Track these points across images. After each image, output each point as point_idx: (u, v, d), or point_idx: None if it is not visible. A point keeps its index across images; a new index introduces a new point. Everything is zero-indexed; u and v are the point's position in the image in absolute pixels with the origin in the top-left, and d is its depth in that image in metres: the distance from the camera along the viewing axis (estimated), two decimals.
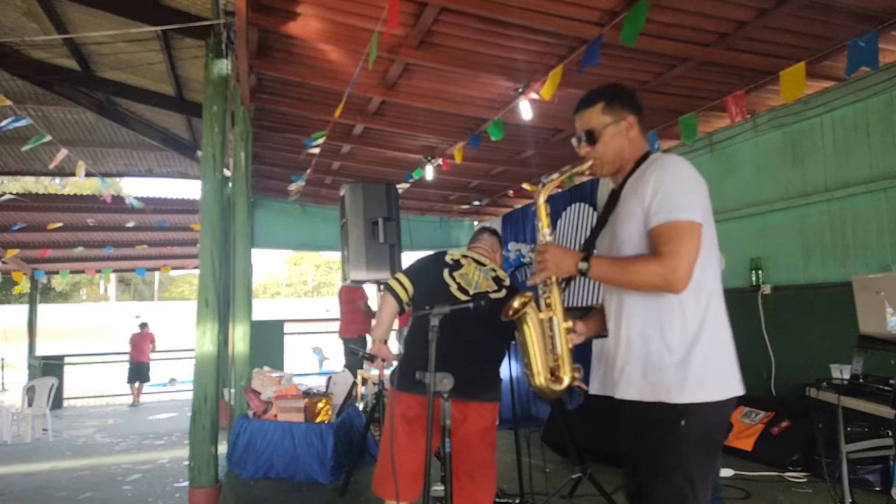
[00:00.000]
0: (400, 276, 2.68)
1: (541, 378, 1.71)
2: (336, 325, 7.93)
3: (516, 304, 1.72)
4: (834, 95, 4.34)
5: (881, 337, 2.94)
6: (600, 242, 1.80)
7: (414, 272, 2.71)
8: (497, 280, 2.66)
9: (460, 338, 2.23)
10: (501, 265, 2.88)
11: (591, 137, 1.75)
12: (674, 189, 1.58)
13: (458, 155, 5.55)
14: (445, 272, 2.62)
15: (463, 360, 2.09)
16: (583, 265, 1.63)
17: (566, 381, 1.70)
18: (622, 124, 1.73)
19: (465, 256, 2.70)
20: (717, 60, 3.93)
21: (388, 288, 2.66)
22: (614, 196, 1.75)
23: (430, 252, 2.81)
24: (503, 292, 2.60)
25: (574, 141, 1.80)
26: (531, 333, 1.72)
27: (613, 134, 1.73)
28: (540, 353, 1.72)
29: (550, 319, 1.72)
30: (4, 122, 4.82)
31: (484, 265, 2.70)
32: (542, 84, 3.99)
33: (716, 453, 1.62)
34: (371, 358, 2.71)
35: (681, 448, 1.54)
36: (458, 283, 2.59)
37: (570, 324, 1.74)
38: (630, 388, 1.64)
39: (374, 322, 2.81)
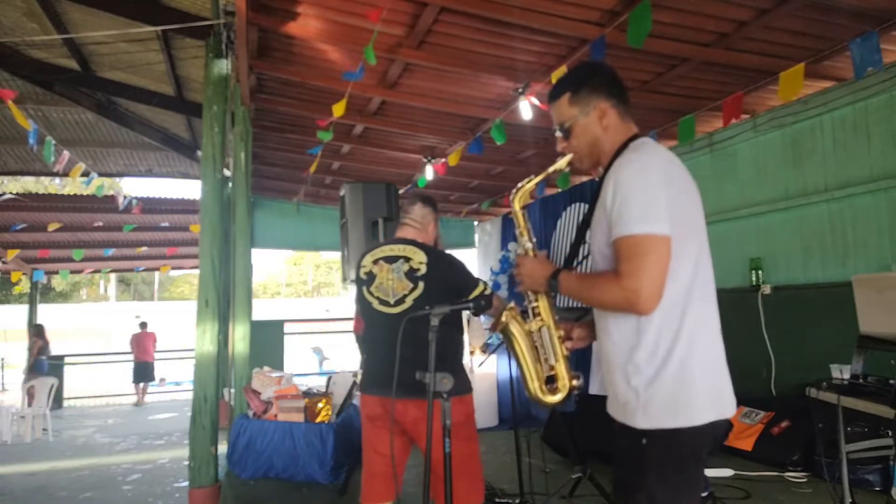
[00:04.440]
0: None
1: (535, 390, 1.64)
2: (336, 326, 7.94)
3: (502, 318, 1.66)
4: (834, 95, 4.34)
5: (881, 337, 2.94)
6: (590, 241, 1.68)
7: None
8: (411, 274, 2.47)
9: (397, 336, 2.11)
10: (436, 236, 2.71)
11: (564, 132, 1.61)
12: (632, 195, 1.40)
13: (454, 158, 5.56)
14: (364, 290, 2.57)
15: (403, 357, 2.05)
16: (552, 283, 1.55)
17: (563, 392, 1.62)
18: (593, 114, 1.57)
19: (376, 261, 2.57)
20: (717, 60, 3.93)
21: None
22: (596, 192, 1.60)
23: None
24: (420, 287, 2.45)
25: (555, 131, 1.66)
26: (519, 346, 1.65)
27: (585, 126, 1.58)
28: (532, 365, 1.64)
29: (540, 329, 1.64)
30: (30, 139, 4.86)
31: (395, 260, 2.52)
32: (546, 85, 3.99)
33: (690, 478, 1.44)
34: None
35: (642, 469, 1.42)
36: (378, 297, 2.52)
37: (562, 332, 1.64)
38: (610, 405, 1.57)
39: None
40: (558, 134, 1.65)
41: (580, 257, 1.80)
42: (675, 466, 1.42)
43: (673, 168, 1.48)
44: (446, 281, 2.49)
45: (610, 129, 1.58)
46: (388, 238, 2.75)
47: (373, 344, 2.58)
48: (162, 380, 13.71)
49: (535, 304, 1.65)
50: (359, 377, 5.23)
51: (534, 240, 1.70)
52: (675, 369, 1.40)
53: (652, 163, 1.45)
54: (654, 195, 1.40)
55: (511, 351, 1.69)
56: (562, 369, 1.62)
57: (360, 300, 2.63)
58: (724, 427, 1.46)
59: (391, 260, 2.54)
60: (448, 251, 2.66)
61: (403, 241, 2.59)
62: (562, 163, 1.66)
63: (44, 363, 10.19)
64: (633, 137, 1.57)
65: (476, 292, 2.48)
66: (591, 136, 1.59)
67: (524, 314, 1.68)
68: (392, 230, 4.34)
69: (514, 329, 1.66)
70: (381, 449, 2.43)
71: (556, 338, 1.63)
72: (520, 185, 1.70)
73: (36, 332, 10.47)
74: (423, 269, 2.48)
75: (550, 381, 1.64)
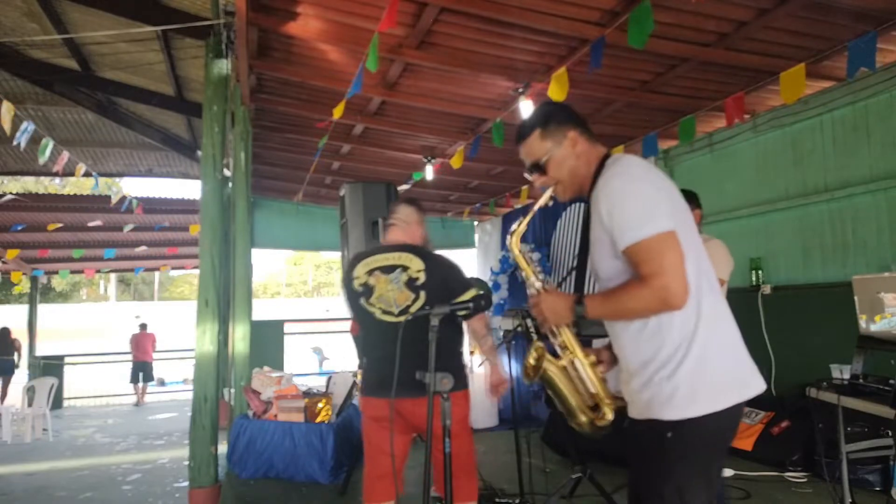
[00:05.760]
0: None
1: (583, 420, 1.67)
2: (336, 326, 7.93)
3: (532, 361, 1.67)
4: (834, 95, 4.34)
5: (881, 337, 2.94)
6: (591, 266, 1.72)
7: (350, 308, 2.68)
8: (411, 284, 2.47)
9: (404, 343, 2.21)
10: (424, 234, 2.71)
11: (539, 167, 1.67)
12: (627, 205, 1.47)
13: (456, 161, 5.56)
14: (363, 302, 2.54)
15: (410, 358, 2.10)
16: (578, 309, 1.57)
17: (610, 414, 1.64)
18: (565, 143, 1.64)
19: (371, 272, 2.54)
20: (717, 60, 3.92)
21: None
22: (587, 216, 1.66)
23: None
24: (422, 296, 2.46)
25: (526, 175, 1.73)
26: (558, 384, 1.67)
27: (561, 157, 1.65)
28: (574, 399, 1.66)
29: (572, 362, 1.66)
30: (17, 136, 4.81)
31: (392, 269, 2.51)
32: (545, 85, 3.98)
33: (712, 465, 1.52)
34: None
35: (668, 462, 1.47)
36: (380, 308, 2.52)
37: (593, 357, 1.67)
38: (632, 407, 1.59)
39: None
40: (531, 174, 1.71)
41: (586, 279, 1.80)
42: (700, 455, 1.48)
43: (653, 173, 1.55)
44: (446, 285, 2.50)
45: (583, 156, 1.65)
46: (376, 244, 2.70)
47: (376, 350, 2.57)
48: (160, 380, 13.71)
49: (560, 340, 1.67)
50: (359, 378, 5.26)
51: (541, 277, 1.72)
52: (695, 359, 1.46)
53: (634, 172, 1.52)
54: (648, 196, 1.48)
55: (553, 392, 1.69)
56: (602, 393, 1.65)
57: (358, 309, 2.58)
58: (741, 410, 1.51)
59: (388, 270, 2.52)
60: (449, 251, 2.68)
61: (396, 248, 2.58)
62: (545, 197, 1.74)
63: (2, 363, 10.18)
64: (606, 156, 1.64)
65: (468, 295, 2.43)
66: (569, 166, 1.66)
67: (553, 353, 1.69)
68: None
69: (552, 370, 1.67)
70: (388, 449, 2.45)
71: (588, 366, 1.66)
72: (512, 229, 1.75)
73: None
74: (423, 278, 2.48)
75: (595, 408, 1.66)
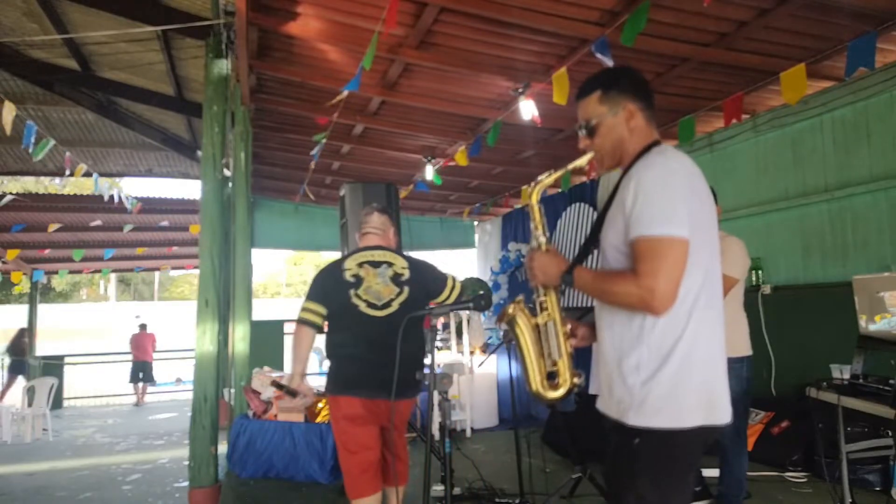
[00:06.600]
0: (309, 304, 2.66)
1: (536, 384, 1.66)
2: None
3: (509, 309, 1.69)
4: (834, 95, 4.34)
5: (881, 337, 2.94)
6: (602, 241, 1.70)
7: (321, 296, 2.67)
8: (396, 279, 2.66)
9: (379, 340, 2.48)
10: (397, 243, 2.90)
11: (590, 129, 1.62)
12: (654, 197, 1.42)
13: (462, 158, 5.55)
14: (351, 294, 2.62)
15: (389, 364, 2.25)
16: (567, 277, 1.57)
17: (564, 388, 1.63)
18: (621, 114, 1.58)
19: (361, 265, 2.67)
20: (717, 60, 3.93)
21: (304, 321, 2.65)
22: (615, 191, 1.61)
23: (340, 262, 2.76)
24: (406, 291, 2.64)
25: (578, 131, 1.69)
26: (523, 339, 1.67)
27: (612, 125, 1.59)
28: (535, 359, 1.66)
29: (546, 324, 1.65)
30: (25, 140, 4.80)
31: (380, 265, 2.68)
32: (545, 85, 3.98)
33: (679, 480, 1.48)
34: (293, 394, 2.73)
35: (633, 468, 1.45)
36: (366, 301, 2.61)
37: (568, 328, 1.66)
38: (603, 402, 1.59)
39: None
40: (582, 132, 1.65)
41: (592, 257, 1.80)
42: (666, 469, 1.45)
43: (694, 177, 1.50)
44: (426, 285, 2.73)
45: (635, 132, 1.59)
46: (355, 248, 2.87)
47: (351, 348, 2.63)
48: (178, 380, 13.68)
49: (543, 299, 1.66)
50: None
51: (547, 234, 1.70)
52: (671, 371, 1.43)
53: (676, 168, 1.47)
54: (677, 200, 1.43)
55: (516, 343, 1.70)
56: (564, 365, 1.63)
57: (344, 303, 2.63)
58: (714, 434, 1.47)
59: (375, 264, 2.69)
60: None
61: (379, 248, 2.77)
62: (583, 160, 1.68)
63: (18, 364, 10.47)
64: (656, 143, 1.59)
65: (449, 284, 2.77)
66: (617, 136, 1.60)
67: (531, 309, 1.69)
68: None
69: (521, 321, 1.68)
70: (367, 443, 2.57)
71: (561, 334, 1.64)
72: (539, 178, 1.72)
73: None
74: (407, 274, 2.68)
75: (552, 376, 1.65)
